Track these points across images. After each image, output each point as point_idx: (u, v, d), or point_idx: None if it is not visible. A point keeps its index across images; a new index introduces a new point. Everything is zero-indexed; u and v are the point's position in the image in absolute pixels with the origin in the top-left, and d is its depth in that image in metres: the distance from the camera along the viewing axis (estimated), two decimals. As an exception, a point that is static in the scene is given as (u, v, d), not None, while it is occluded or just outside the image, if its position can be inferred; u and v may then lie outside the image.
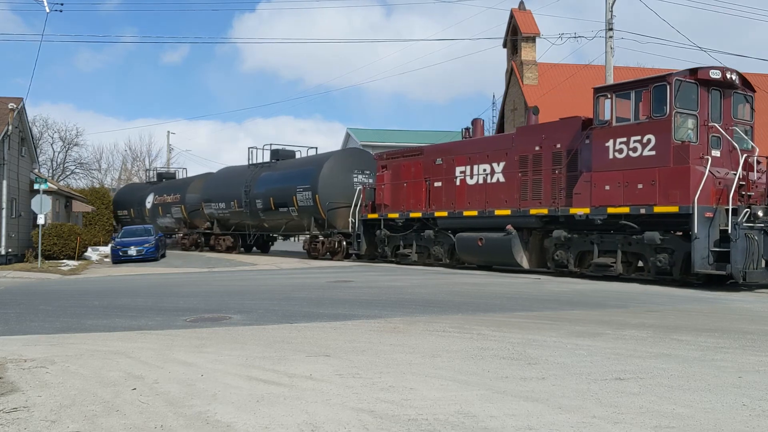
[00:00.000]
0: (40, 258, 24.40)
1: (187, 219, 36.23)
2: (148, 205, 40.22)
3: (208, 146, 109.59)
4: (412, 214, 20.96)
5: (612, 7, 23.50)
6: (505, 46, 39.20)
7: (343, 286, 14.25)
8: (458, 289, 13.29)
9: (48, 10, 25.88)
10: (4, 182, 26.34)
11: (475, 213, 18.58)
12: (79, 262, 27.63)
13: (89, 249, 32.45)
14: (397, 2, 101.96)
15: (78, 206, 39.25)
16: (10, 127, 26.18)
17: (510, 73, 38.82)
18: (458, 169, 19.55)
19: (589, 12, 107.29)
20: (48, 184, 27.98)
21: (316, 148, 31.17)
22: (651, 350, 6.45)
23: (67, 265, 25.21)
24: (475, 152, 19.09)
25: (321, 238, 26.06)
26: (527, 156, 17.17)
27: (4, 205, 26.25)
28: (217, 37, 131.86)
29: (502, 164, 18.02)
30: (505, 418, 4.19)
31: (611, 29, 23.51)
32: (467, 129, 21.12)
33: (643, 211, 14.01)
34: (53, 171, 62.70)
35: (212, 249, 33.99)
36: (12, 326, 8.98)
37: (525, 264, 17.14)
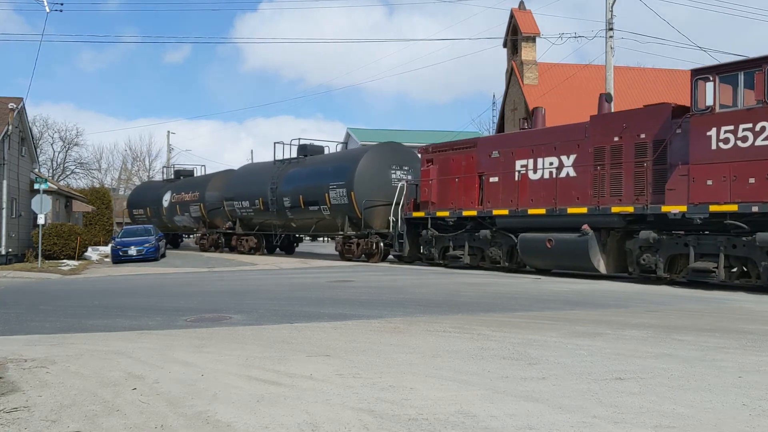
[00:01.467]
0: (40, 258, 24.39)
1: (207, 218, 34.56)
2: (165, 204, 38.53)
3: (209, 146, 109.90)
4: (466, 212, 18.98)
5: (612, 7, 23.50)
6: (505, 45, 39.22)
7: (344, 285, 14.24)
8: (458, 289, 13.28)
9: (48, 10, 25.90)
10: (5, 182, 26.35)
11: (542, 211, 16.65)
12: (79, 262, 27.63)
13: (89, 249, 32.44)
14: (399, 2, 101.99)
15: (78, 206, 39.26)
16: (10, 127, 26.19)
17: (510, 73, 38.85)
18: (519, 163, 17.64)
19: (589, 11, 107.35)
20: (48, 184, 27.98)
21: (346, 143, 29.75)
22: (651, 350, 6.44)
23: (68, 265, 25.20)
24: (539, 144, 17.20)
25: (355, 238, 24.18)
26: (604, 147, 15.40)
27: (4, 205, 26.26)
28: (218, 36, 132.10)
29: (572, 157, 16.17)
30: (505, 418, 4.19)
31: (611, 29, 23.52)
32: (525, 119, 18.96)
33: (755, 209, 12.30)
34: (53, 171, 62.77)
35: (233, 250, 32.32)
36: (12, 326, 8.98)
37: (602, 268, 15.24)
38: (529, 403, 4.54)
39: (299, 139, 29.44)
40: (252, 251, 30.82)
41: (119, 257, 27.46)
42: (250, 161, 64.64)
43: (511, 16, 37.89)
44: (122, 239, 28.84)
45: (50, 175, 58.53)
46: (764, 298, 11.68)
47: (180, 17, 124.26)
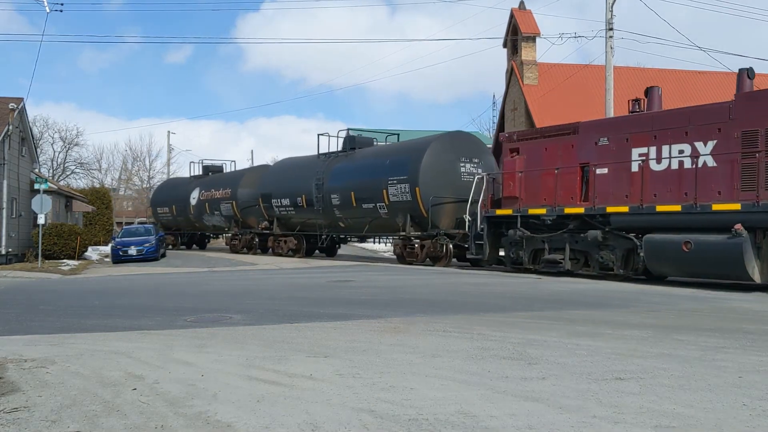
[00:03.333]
0: (40, 258, 24.41)
1: (239, 217, 32.15)
2: (193, 202, 36.04)
3: (209, 146, 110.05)
4: (568, 210, 16.12)
5: (612, 7, 23.50)
6: (505, 46, 39.21)
7: (344, 285, 14.24)
8: (458, 288, 13.28)
9: (48, 10, 25.92)
10: (5, 182, 26.35)
11: (677, 208, 13.90)
12: (80, 261, 27.65)
13: (89, 249, 32.47)
14: (401, 1, 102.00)
15: (78, 206, 39.26)
16: (10, 127, 26.19)
17: (510, 73, 38.84)
18: (636, 151, 14.90)
19: (590, 11, 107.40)
20: (48, 184, 28.00)
21: (398, 134, 27.02)
22: (651, 350, 6.44)
23: (68, 264, 25.22)
24: (664, 128, 14.53)
25: (418, 240, 21.59)
26: (756, 132, 12.97)
27: (4, 204, 26.26)
28: (220, 36, 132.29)
29: (711, 143, 13.67)
30: (505, 417, 4.19)
31: (611, 29, 23.52)
32: (635, 101, 16.27)
33: None
34: (53, 171, 62.77)
35: (266, 252, 30.35)
36: (12, 326, 8.98)
37: (757, 277, 12.80)
38: (529, 402, 4.54)
39: (348, 129, 26.94)
40: (291, 253, 28.22)
41: (119, 257, 27.52)
42: (250, 161, 64.60)
43: (511, 16, 37.88)
44: (122, 239, 28.89)
45: (50, 175, 58.54)
46: (764, 298, 11.68)
47: (182, 17, 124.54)
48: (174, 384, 5.22)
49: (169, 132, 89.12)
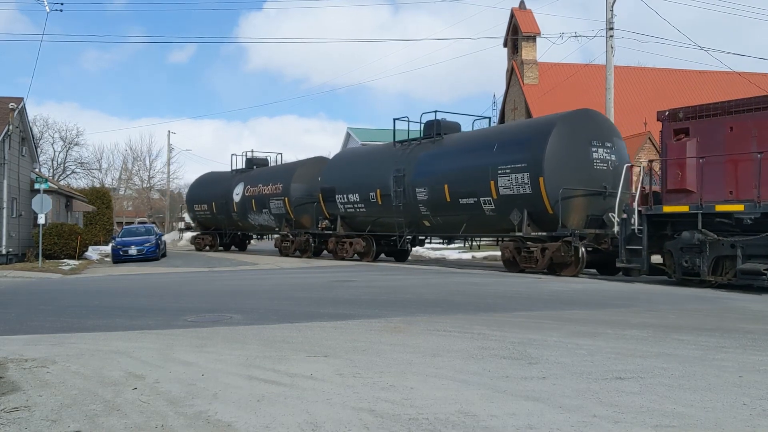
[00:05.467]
0: (40, 257, 24.41)
1: (292, 216, 28.81)
2: (236, 198, 32.70)
3: (211, 146, 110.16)
4: None
5: (612, 6, 23.50)
6: (505, 45, 39.24)
7: (344, 285, 14.24)
8: (459, 288, 13.28)
9: (48, 10, 25.94)
10: (5, 182, 26.35)
11: None
12: (80, 261, 27.65)
13: (90, 249, 32.48)
14: (404, 1, 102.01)
15: (78, 206, 39.28)
16: (10, 127, 26.19)
17: (510, 73, 38.86)
18: None
19: (593, 11, 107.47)
20: (48, 183, 28.01)
21: (489, 118, 23.25)
22: (652, 350, 6.45)
23: (68, 264, 25.22)
24: None
25: (536, 243, 17.42)
26: None
27: (4, 204, 26.26)
28: (223, 36, 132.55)
29: None
30: (505, 417, 4.19)
31: (612, 28, 23.52)
32: None
33: None
34: (53, 171, 62.79)
35: (319, 255, 27.93)
36: (12, 326, 8.98)
37: None
38: (530, 402, 4.55)
39: (435, 112, 22.32)
40: (357, 257, 24.65)
41: (120, 257, 27.56)
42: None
43: (512, 16, 37.91)
44: (123, 239, 28.94)
45: (50, 174, 58.56)
46: (764, 298, 11.67)
47: (185, 17, 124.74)
48: (174, 383, 5.23)
49: (169, 132, 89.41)
